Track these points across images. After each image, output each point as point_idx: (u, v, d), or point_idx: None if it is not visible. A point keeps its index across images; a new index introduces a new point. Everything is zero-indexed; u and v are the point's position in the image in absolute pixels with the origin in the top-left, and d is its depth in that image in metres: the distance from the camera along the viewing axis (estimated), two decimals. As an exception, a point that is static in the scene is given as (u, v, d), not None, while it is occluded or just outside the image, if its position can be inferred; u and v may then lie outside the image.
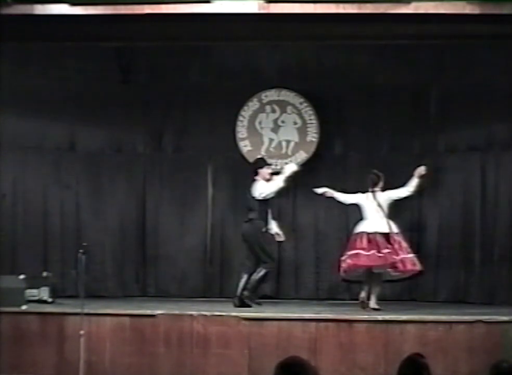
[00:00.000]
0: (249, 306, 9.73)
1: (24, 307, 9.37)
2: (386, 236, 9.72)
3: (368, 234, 9.71)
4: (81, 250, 8.53)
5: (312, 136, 12.00)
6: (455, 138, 11.76)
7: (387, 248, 9.61)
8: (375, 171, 10.14)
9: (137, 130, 12.20)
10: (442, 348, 8.46)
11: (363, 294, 9.72)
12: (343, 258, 9.76)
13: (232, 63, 11.92)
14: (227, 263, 12.02)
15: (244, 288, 9.94)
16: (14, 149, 11.49)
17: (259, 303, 9.92)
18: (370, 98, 11.85)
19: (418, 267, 9.78)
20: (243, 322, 8.79)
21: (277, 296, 11.67)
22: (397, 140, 11.99)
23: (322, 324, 8.74)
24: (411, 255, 9.76)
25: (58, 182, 11.89)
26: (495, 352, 8.22)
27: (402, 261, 9.66)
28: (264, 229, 10.10)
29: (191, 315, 8.91)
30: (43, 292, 10.29)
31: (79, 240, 10.85)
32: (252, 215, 10.10)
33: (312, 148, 11.97)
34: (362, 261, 9.61)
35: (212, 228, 12.19)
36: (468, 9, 8.82)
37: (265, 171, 10.24)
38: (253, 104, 12.06)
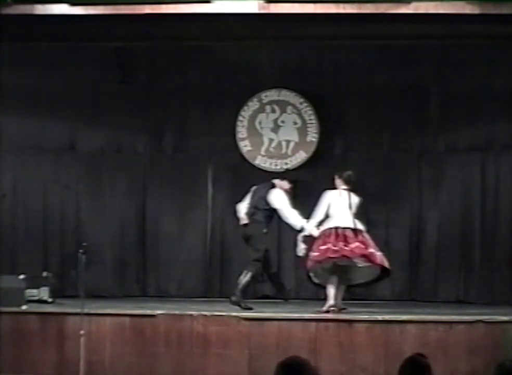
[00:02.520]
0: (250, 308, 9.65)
1: (24, 307, 9.37)
2: (355, 232, 9.55)
3: (337, 229, 9.55)
4: (81, 250, 8.53)
5: (312, 136, 12.00)
6: (455, 138, 11.76)
7: (357, 242, 9.45)
8: (350, 171, 9.94)
9: (137, 130, 12.19)
10: (442, 348, 8.46)
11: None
12: (311, 252, 9.51)
13: (232, 63, 11.92)
14: (227, 263, 12.02)
15: (233, 293, 9.82)
16: (14, 149, 11.50)
17: (249, 308, 9.60)
18: (370, 98, 11.85)
19: (387, 264, 9.51)
20: (243, 322, 8.80)
21: (277, 296, 11.66)
22: (397, 140, 11.99)
23: (322, 324, 8.74)
24: (379, 252, 9.58)
25: (58, 182, 11.89)
26: (495, 352, 8.23)
27: (372, 254, 9.42)
28: (264, 231, 10.07)
29: (191, 315, 8.91)
30: (43, 292, 10.29)
31: (79, 240, 10.85)
32: (256, 216, 10.07)
33: (312, 148, 11.97)
34: (330, 253, 9.33)
35: (212, 228, 12.19)
36: (468, 9, 8.82)
37: (286, 185, 10.17)
38: (253, 104, 12.06)
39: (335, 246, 9.36)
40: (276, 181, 10.22)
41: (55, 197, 11.87)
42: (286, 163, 11.81)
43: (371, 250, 9.43)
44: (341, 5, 8.91)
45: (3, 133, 11.23)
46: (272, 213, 10.08)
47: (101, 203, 12.05)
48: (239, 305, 9.60)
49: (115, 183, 12.10)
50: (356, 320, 8.80)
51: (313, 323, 8.74)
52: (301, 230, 9.78)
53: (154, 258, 12.15)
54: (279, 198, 10.01)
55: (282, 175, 10.54)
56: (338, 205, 9.57)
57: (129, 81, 12.09)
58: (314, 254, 9.45)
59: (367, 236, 9.53)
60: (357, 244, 9.38)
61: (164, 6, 9.06)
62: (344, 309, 9.54)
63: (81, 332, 8.44)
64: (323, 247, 9.41)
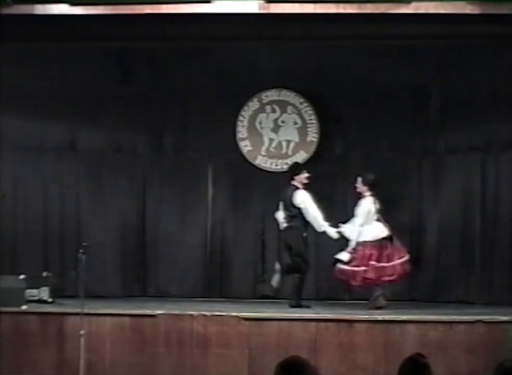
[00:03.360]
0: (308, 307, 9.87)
1: (24, 307, 9.37)
2: (390, 240, 9.83)
3: (382, 242, 9.79)
4: (81, 250, 8.54)
5: (313, 136, 12.00)
6: (455, 138, 11.76)
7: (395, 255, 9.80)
8: (373, 174, 10.12)
9: (137, 130, 12.20)
10: (442, 348, 8.46)
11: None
12: (361, 269, 9.78)
13: (232, 63, 11.92)
14: (227, 263, 12.03)
15: (290, 298, 10.09)
16: (14, 149, 11.49)
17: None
18: (370, 98, 11.85)
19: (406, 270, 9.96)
20: (243, 322, 8.80)
21: (277, 296, 11.65)
22: (397, 140, 11.99)
23: (322, 324, 8.75)
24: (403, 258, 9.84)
25: (58, 182, 11.89)
26: (495, 352, 8.23)
27: (394, 268, 9.86)
28: (305, 234, 10.12)
29: (191, 315, 8.91)
30: (43, 292, 10.29)
31: (79, 240, 10.84)
32: (293, 222, 10.11)
33: (312, 148, 11.98)
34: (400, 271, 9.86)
35: (212, 228, 12.20)
36: (468, 9, 8.82)
37: (302, 176, 10.25)
38: (253, 104, 12.06)
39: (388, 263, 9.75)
40: (295, 181, 10.24)
41: (55, 197, 11.87)
42: (286, 163, 11.80)
43: (395, 261, 9.87)
44: (341, 5, 8.91)
45: (3, 133, 11.22)
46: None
47: (101, 203, 12.04)
48: (300, 307, 9.83)
49: (115, 183, 12.10)
50: (356, 320, 8.80)
51: (313, 323, 8.75)
52: (323, 233, 10.09)
53: (154, 258, 12.15)
54: (303, 199, 10.12)
55: (295, 170, 10.47)
56: (374, 213, 9.77)
57: (129, 81, 12.10)
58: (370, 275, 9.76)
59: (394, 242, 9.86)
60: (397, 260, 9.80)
61: (164, 6, 9.06)
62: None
63: (81, 332, 8.44)
64: (374, 264, 9.73)
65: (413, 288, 11.68)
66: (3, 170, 11.10)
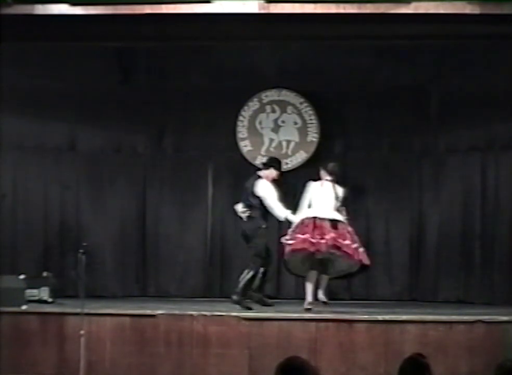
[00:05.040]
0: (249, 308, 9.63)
1: (24, 307, 9.37)
2: (334, 223, 9.46)
3: (315, 219, 9.51)
4: (81, 250, 8.53)
5: (313, 136, 12.00)
6: (455, 138, 11.76)
7: (332, 233, 9.36)
8: (334, 162, 9.93)
9: (137, 130, 12.20)
10: (442, 348, 8.46)
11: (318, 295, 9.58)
12: (287, 240, 9.48)
13: (232, 63, 11.92)
14: (227, 263, 12.03)
15: (234, 292, 9.74)
16: (14, 149, 11.49)
17: (249, 308, 9.58)
18: (370, 98, 11.85)
19: (365, 259, 9.41)
20: (243, 322, 8.79)
21: (277, 296, 11.66)
22: (397, 140, 11.99)
23: (322, 324, 8.74)
24: (360, 247, 9.49)
25: (58, 182, 11.89)
26: (495, 352, 8.23)
27: (347, 246, 9.32)
28: (263, 226, 9.95)
29: (191, 315, 8.91)
30: (43, 292, 10.29)
31: (79, 240, 10.84)
32: (253, 212, 9.97)
33: (312, 148, 11.98)
34: (307, 245, 9.28)
35: (212, 228, 12.20)
36: (468, 9, 8.82)
37: (274, 173, 9.98)
38: (253, 104, 12.07)
39: (312, 238, 9.32)
40: (261, 172, 10.06)
41: (55, 197, 11.87)
42: (286, 163, 11.81)
43: (347, 242, 9.34)
44: (341, 5, 8.91)
45: (3, 132, 11.22)
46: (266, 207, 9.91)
47: (101, 203, 12.05)
48: (240, 304, 9.58)
49: (115, 183, 12.10)
50: (356, 320, 8.80)
51: (313, 323, 8.74)
52: (285, 221, 9.74)
53: (154, 258, 12.15)
54: (263, 188, 9.82)
55: (266, 164, 10.18)
56: (319, 196, 9.57)
57: (129, 81, 12.10)
58: (291, 242, 9.42)
59: (348, 228, 9.48)
60: (332, 235, 9.34)
61: (164, 6, 9.06)
62: (326, 303, 9.52)
63: (81, 332, 8.43)
64: (301, 236, 9.38)
65: (413, 288, 11.68)
66: (3, 170, 11.09)
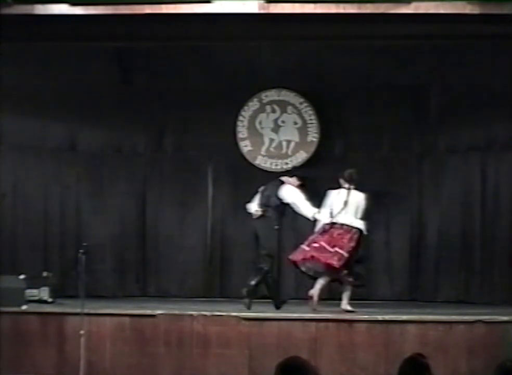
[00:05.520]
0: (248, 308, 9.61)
1: (24, 307, 9.37)
2: (348, 230, 9.58)
3: (332, 226, 9.59)
4: (81, 250, 8.53)
5: (313, 136, 12.00)
6: (455, 138, 11.76)
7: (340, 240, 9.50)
8: (352, 169, 9.97)
9: (137, 130, 12.20)
10: (442, 348, 8.46)
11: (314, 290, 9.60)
12: (304, 247, 9.58)
13: (233, 63, 11.92)
14: (227, 263, 12.03)
15: (245, 287, 9.75)
16: (14, 149, 11.49)
17: (249, 307, 9.55)
18: (370, 98, 11.85)
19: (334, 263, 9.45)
20: (243, 322, 8.79)
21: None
22: (397, 140, 11.99)
23: (322, 324, 8.74)
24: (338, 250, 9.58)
25: (58, 182, 11.89)
26: (495, 352, 8.23)
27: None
28: (277, 227, 10.01)
29: (191, 315, 8.90)
30: (43, 292, 10.29)
31: (79, 240, 10.85)
32: (267, 213, 9.95)
33: (312, 148, 11.98)
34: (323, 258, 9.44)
35: (212, 228, 12.20)
36: (468, 9, 8.82)
37: (296, 182, 10.07)
38: (253, 104, 12.07)
39: (332, 247, 9.42)
40: (285, 178, 10.17)
41: (55, 197, 11.87)
42: (286, 163, 11.81)
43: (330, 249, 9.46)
44: (341, 5, 8.92)
45: (3, 133, 11.22)
46: (284, 210, 10.01)
47: (101, 203, 12.05)
48: (243, 301, 9.55)
49: (115, 183, 12.10)
50: (356, 320, 8.80)
51: (313, 323, 8.74)
52: (314, 220, 9.82)
53: (154, 258, 12.16)
54: (291, 192, 9.97)
55: (290, 172, 10.42)
56: (336, 204, 9.61)
57: (129, 81, 12.10)
58: (306, 249, 9.55)
59: (354, 236, 9.53)
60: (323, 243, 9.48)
61: (164, 6, 9.07)
62: (351, 311, 9.53)
63: (81, 332, 8.44)
64: (315, 245, 9.49)
65: (413, 288, 11.68)
66: (3, 170, 11.09)
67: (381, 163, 11.89)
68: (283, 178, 10.17)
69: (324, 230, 9.62)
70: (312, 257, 9.53)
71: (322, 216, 9.72)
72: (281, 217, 10.00)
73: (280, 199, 9.96)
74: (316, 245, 9.55)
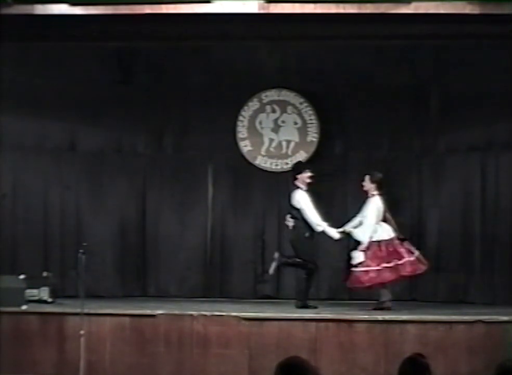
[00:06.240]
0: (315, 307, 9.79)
1: (24, 307, 9.37)
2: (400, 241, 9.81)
3: (390, 241, 9.75)
4: (81, 250, 8.54)
5: (313, 136, 12.00)
6: (455, 138, 11.76)
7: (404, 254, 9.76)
8: (380, 173, 10.11)
9: (137, 130, 12.20)
10: (442, 348, 8.47)
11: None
12: (365, 269, 9.70)
13: (232, 63, 11.92)
14: (227, 263, 12.03)
15: (296, 298, 10.04)
16: (14, 149, 11.49)
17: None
18: (370, 98, 11.84)
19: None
20: (243, 322, 8.80)
21: (277, 296, 11.67)
22: (397, 140, 11.99)
23: (322, 324, 8.75)
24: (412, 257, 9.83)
25: (58, 182, 11.89)
26: (495, 352, 8.24)
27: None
28: (306, 235, 10.07)
29: (191, 315, 8.91)
30: (43, 292, 10.28)
31: (79, 240, 10.84)
32: (296, 222, 10.08)
33: (312, 148, 11.98)
34: (401, 271, 9.77)
35: (212, 228, 12.19)
36: (468, 9, 8.83)
37: (304, 176, 10.17)
38: (253, 104, 12.06)
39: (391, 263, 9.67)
40: (297, 181, 10.18)
41: (55, 197, 11.87)
42: (286, 163, 11.81)
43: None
44: (341, 5, 8.93)
45: (3, 132, 11.22)
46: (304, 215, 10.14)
47: (101, 203, 12.04)
48: (306, 308, 9.72)
49: (115, 183, 12.09)
50: (356, 320, 8.80)
51: (313, 323, 8.75)
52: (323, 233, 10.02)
53: (154, 258, 12.15)
54: (300, 199, 10.06)
55: (298, 169, 10.37)
56: (382, 212, 9.73)
57: (129, 81, 12.10)
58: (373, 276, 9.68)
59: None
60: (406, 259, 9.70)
61: (164, 6, 9.07)
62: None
63: (81, 332, 8.44)
64: (387, 265, 9.66)
65: (413, 288, 11.67)
66: (3, 170, 11.10)
67: (381, 163, 11.88)
68: (296, 181, 10.18)
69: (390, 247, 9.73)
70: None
71: (328, 231, 9.95)
72: (308, 224, 10.09)
73: (295, 208, 10.09)
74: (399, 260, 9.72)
